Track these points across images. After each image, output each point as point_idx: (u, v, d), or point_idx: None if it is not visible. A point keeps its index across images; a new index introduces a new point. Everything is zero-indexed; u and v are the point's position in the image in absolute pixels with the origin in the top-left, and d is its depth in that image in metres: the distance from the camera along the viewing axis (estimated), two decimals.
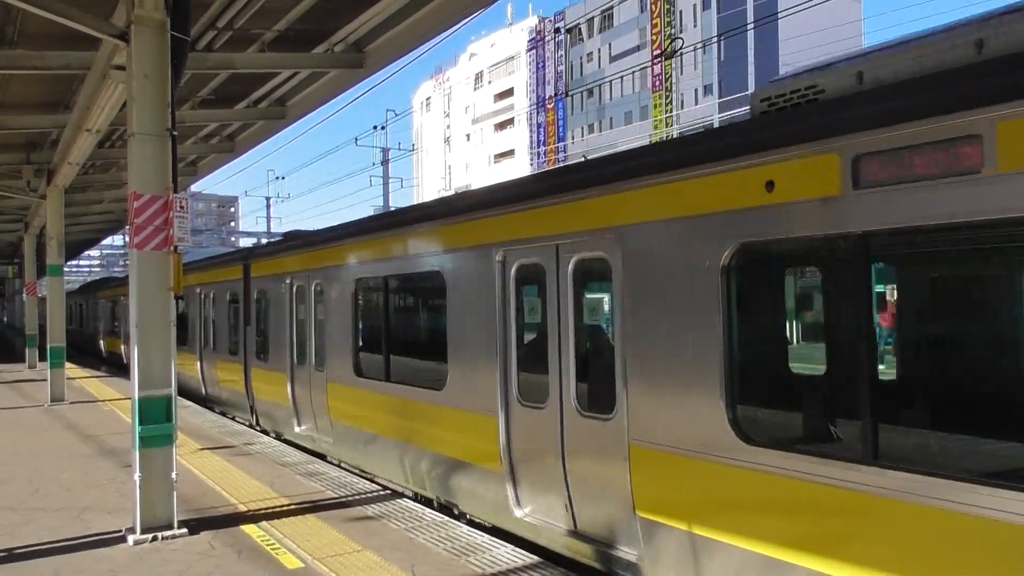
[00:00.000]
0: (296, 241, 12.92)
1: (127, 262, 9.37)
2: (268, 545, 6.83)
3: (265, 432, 13.65)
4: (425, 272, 8.64)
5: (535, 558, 6.34)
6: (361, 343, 10.24)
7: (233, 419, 15.29)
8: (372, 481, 9.73)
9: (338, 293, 10.61)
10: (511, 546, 6.70)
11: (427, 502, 8.67)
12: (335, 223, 13.20)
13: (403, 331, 10.09)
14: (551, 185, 6.85)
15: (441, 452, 8.22)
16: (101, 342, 32.63)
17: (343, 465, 10.80)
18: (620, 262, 5.83)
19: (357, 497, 8.50)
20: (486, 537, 6.96)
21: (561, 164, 57.94)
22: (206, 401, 17.46)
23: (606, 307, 6.72)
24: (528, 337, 7.20)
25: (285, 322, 12.40)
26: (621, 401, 5.83)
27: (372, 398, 9.65)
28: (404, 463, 9.05)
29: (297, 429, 12.14)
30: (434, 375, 8.31)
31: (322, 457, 11.23)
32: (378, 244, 9.66)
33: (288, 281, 12.33)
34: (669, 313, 5.43)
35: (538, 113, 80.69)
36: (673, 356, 5.40)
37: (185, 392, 18.33)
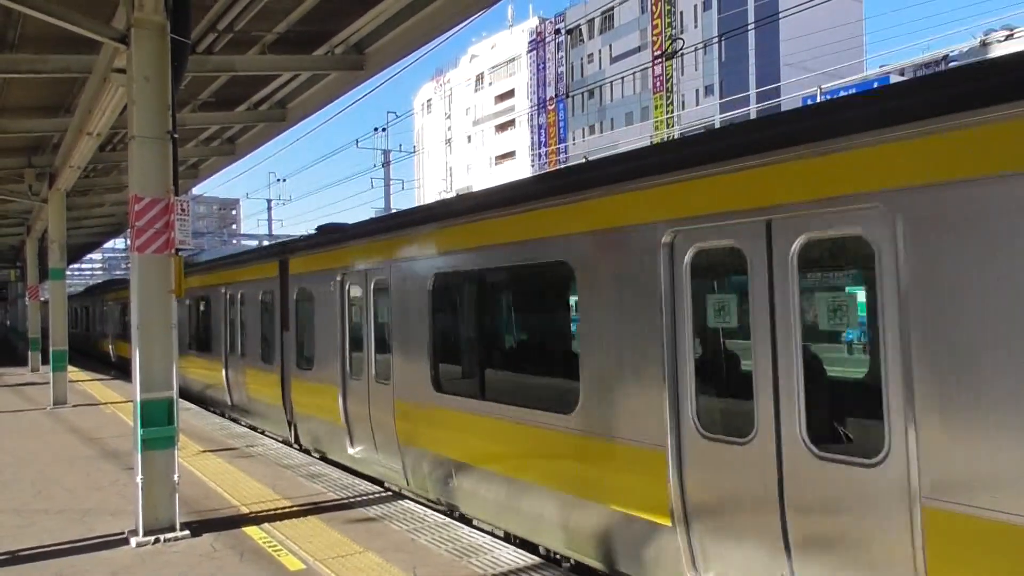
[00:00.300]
0: (348, 232, 10.91)
1: (129, 265, 9.16)
2: (270, 547, 6.83)
3: (307, 451, 11.92)
4: (543, 263, 6.77)
5: (536, 559, 6.34)
6: (442, 352, 8.46)
7: (263, 433, 13.80)
8: (451, 516, 8.08)
9: (408, 292, 8.79)
10: (512, 547, 6.70)
11: (533, 548, 7.04)
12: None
13: (506, 337, 8.40)
14: (762, 137, 4.93)
15: (568, 492, 6.39)
16: (111, 346, 31.36)
17: (406, 492, 9.23)
18: (899, 241, 4.11)
19: (359, 499, 8.51)
20: (488, 538, 6.96)
21: (562, 165, 57.89)
22: (231, 412, 15.89)
23: (859, 305, 4.81)
24: (711, 345, 5.56)
25: (335, 326, 10.61)
26: (900, 440, 4.11)
27: (459, 419, 7.85)
28: (506, 500, 7.23)
29: (351, 451, 10.37)
30: (557, 393, 6.62)
31: (379, 483, 9.72)
32: (468, 230, 7.76)
33: (338, 279, 10.54)
34: (1012, 313, 3.67)
35: (539, 114, 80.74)
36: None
37: (208, 402, 17.39)
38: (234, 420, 15.41)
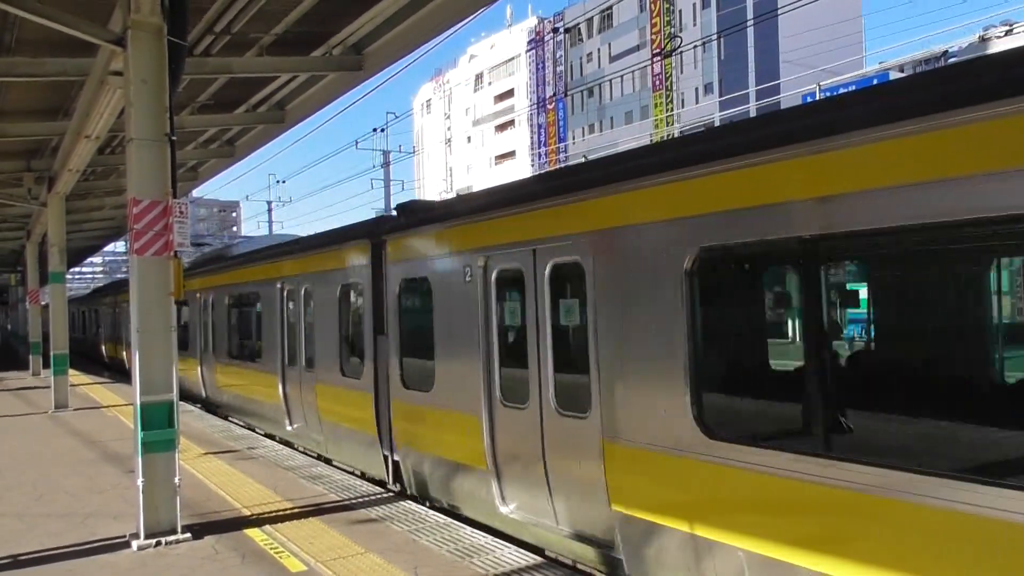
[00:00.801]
0: (496, 197, 7.91)
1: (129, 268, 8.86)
2: (271, 548, 6.82)
3: (414, 498, 8.96)
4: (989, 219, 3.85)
5: (538, 559, 6.33)
6: (717, 374, 5.72)
7: (322, 460, 11.34)
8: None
9: (635, 278, 5.81)
10: (514, 547, 6.69)
11: None
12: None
13: (898, 353, 5.19)
14: None
15: None
16: (125, 352, 27.11)
17: None
18: None
19: (360, 500, 8.50)
20: (489, 538, 6.95)
21: (563, 165, 57.92)
22: (291, 438, 12.85)
23: None
24: None
25: (473, 330, 7.64)
26: None
27: (767, 489, 4.80)
28: None
29: (503, 509, 7.41)
30: None
31: (538, 552, 6.88)
32: (789, 170, 4.69)
33: (480, 264, 7.56)
34: None
35: (538, 114, 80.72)
36: None
37: (256, 421, 14.68)
38: (287, 444, 12.74)
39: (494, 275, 7.51)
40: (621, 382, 5.98)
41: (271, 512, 8.05)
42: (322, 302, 11.35)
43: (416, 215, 9.31)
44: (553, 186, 6.93)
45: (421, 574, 6.06)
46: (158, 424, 7.19)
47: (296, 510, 8.11)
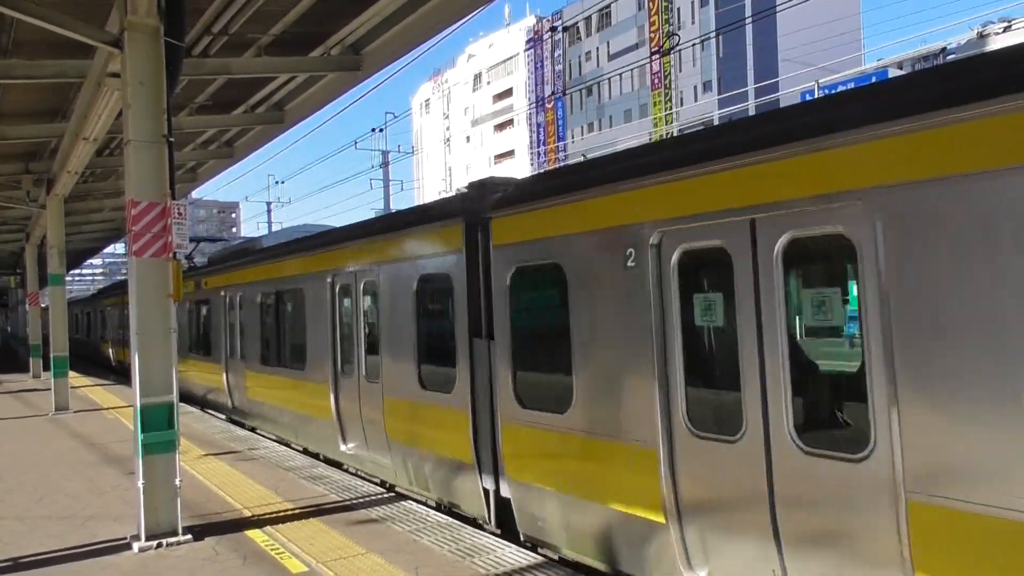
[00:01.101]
0: (679, 148, 5.84)
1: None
2: (272, 550, 6.82)
3: (529, 546, 7.06)
4: None
5: (539, 558, 6.33)
6: None
7: (389, 488, 9.58)
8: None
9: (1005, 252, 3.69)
10: (515, 547, 6.68)
11: None
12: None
13: None
14: None
15: None
16: None
17: None
18: None
19: (361, 500, 8.49)
20: (490, 538, 6.94)
21: (562, 164, 57.90)
22: (344, 459, 10.96)
23: None
24: None
25: (637, 333, 5.76)
26: None
27: None
28: None
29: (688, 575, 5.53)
30: None
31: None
32: None
33: (654, 242, 5.64)
34: None
35: (537, 113, 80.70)
36: None
37: (303, 437, 12.43)
38: (335, 464, 11.06)
39: (675, 256, 5.57)
40: (944, 414, 3.93)
41: (272, 513, 8.05)
42: (391, 299, 9.39)
43: (533, 186, 7.43)
44: (792, 127, 4.75)
45: (422, 574, 6.06)
46: (158, 426, 7.19)
47: (297, 511, 8.11)
